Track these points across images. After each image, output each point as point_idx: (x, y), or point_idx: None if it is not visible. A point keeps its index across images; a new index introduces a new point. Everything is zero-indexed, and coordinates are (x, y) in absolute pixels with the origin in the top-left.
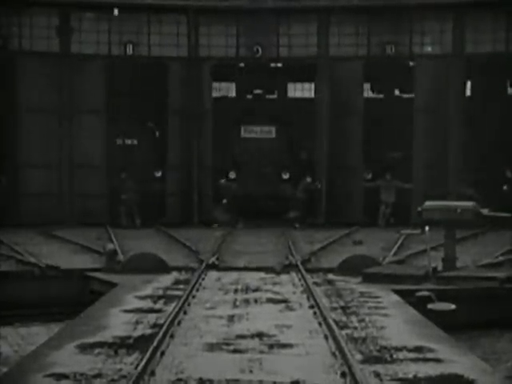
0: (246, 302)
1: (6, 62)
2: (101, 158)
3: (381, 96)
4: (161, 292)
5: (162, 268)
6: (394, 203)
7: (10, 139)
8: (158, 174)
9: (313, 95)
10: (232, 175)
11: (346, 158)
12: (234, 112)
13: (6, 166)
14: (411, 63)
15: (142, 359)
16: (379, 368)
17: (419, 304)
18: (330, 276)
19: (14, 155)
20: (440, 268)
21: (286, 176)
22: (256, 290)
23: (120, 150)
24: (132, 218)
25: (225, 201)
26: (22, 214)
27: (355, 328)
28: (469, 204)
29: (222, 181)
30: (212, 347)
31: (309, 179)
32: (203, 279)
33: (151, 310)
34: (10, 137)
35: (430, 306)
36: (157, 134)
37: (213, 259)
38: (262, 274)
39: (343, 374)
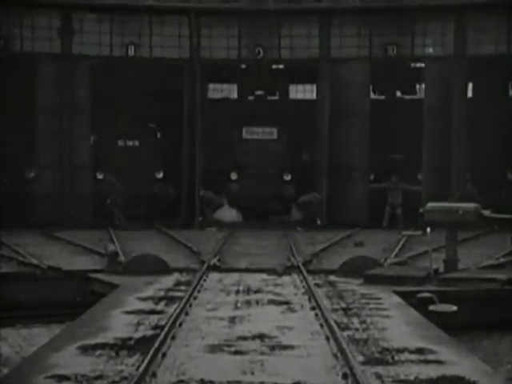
0: (248, 303)
1: (24, 64)
2: (88, 159)
3: (382, 97)
4: (162, 293)
5: (164, 269)
6: (403, 205)
7: (27, 141)
8: (160, 176)
9: (314, 97)
10: (234, 176)
11: (348, 159)
12: (235, 113)
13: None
14: (420, 64)
15: (143, 361)
16: (381, 369)
17: (421, 305)
18: (332, 277)
19: (31, 157)
20: (441, 269)
21: (287, 177)
22: (257, 291)
23: (121, 152)
24: (119, 220)
25: (200, 218)
26: (37, 215)
27: (357, 329)
28: (470, 206)
29: (201, 193)
30: (213, 349)
31: (318, 196)
32: (205, 280)
33: (153, 312)
34: (26, 139)
35: (431, 307)
36: (158, 135)
37: (214, 260)
38: (264, 276)
39: (345, 376)
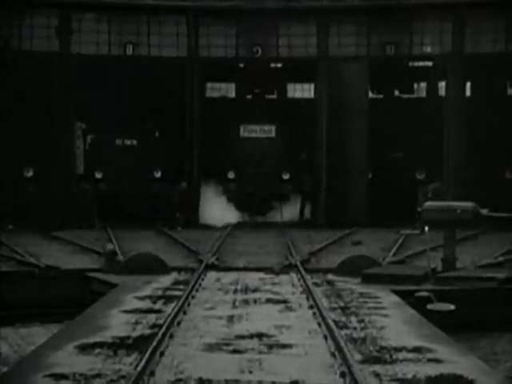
0: (246, 302)
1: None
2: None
3: (380, 96)
4: (160, 292)
5: (162, 268)
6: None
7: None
8: (158, 175)
9: (313, 96)
10: (231, 175)
11: (347, 158)
12: (233, 112)
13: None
14: (418, 63)
15: (141, 359)
16: (378, 368)
17: (418, 304)
18: (330, 276)
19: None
20: (439, 268)
21: (286, 176)
22: (255, 290)
23: (119, 151)
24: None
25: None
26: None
27: (354, 328)
28: (468, 204)
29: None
30: (211, 347)
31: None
32: (203, 279)
33: (151, 311)
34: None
35: (429, 306)
36: (156, 134)
37: (212, 259)
38: (262, 275)
39: (343, 374)
